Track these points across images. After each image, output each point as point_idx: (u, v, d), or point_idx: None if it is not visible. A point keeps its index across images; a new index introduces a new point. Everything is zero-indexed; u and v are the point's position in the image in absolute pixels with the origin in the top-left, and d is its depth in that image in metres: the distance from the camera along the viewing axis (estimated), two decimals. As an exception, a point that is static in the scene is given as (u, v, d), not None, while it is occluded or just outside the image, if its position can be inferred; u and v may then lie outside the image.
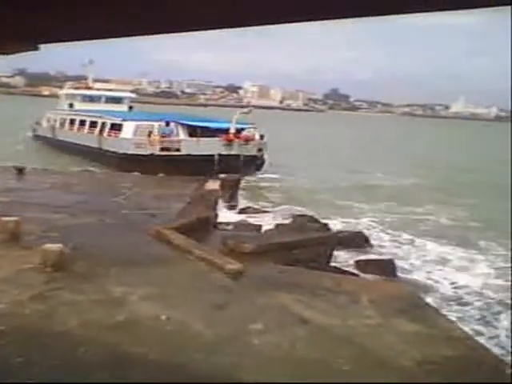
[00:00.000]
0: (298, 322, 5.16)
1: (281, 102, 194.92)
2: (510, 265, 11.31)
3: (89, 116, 27.66)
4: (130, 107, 34.19)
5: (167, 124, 22.03)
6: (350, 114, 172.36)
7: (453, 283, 10.24)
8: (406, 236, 13.84)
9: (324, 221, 13.11)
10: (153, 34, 1.26)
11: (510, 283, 10.22)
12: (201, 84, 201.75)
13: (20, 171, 14.02)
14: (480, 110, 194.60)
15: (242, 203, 15.91)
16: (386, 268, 10.15)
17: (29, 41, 1.29)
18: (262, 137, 23.15)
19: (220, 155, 20.36)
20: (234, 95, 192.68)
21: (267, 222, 12.86)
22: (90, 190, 12.57)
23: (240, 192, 16.46)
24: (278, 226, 10.22)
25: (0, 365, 4.01)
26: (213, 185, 13.60)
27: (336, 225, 13.70)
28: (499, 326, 8.31)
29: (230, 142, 21.12)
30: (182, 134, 22.21)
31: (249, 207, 15.51)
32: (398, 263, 10.87)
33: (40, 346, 4.34)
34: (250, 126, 23.43)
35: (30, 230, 7.75)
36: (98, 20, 1.18)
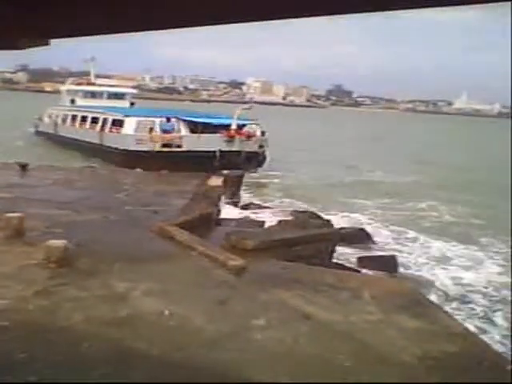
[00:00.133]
0: (301, 317, 5.18)
1: (284, 98, 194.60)
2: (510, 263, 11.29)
3: (90, 112, 27.66)
4: (132, 103, 34.20)
5: (168, 120, 22.02)
6: (352, 109, 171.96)
7: (455, 280, 10.24)
8: (408, 232, 13.83)
9: (326, 217, 13.13)
10: (162, 29, 1.28)
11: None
12: (204, 80, 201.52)
13: (23, 167, 14.06)
14: (483, 106, 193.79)
15: (245, 199, 15.93)
16: (388, 264, 10.16)
17: (40, 36, 1.30)
18: (263, 133, 23.12)
19: (221, 151, 20.34)
20: (237, 91, 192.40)
21: (270, 219, 12.88)
22: (92, 186, 12.60)
23: (242, 188, 16.48)
24: (280, 222, 10.22)
25: (4, 360, 4.05)
26: (216, 181, 13.62)
27: (339, 222, 13.69)
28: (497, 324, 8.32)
29: (231, 138, 21.10)
30: (184, 130, 22.20)
31: (251, 203, 15.54)
32: (400, 259, 10.89)
33: (44, 342, 4.38)
34: (252, 122, 23.39)
35: (33, 226, 7.78)
36: (109, 15, 1.20)
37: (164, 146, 20.89)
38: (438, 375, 4.29)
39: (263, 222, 11.64)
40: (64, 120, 30.78)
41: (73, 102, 33.16)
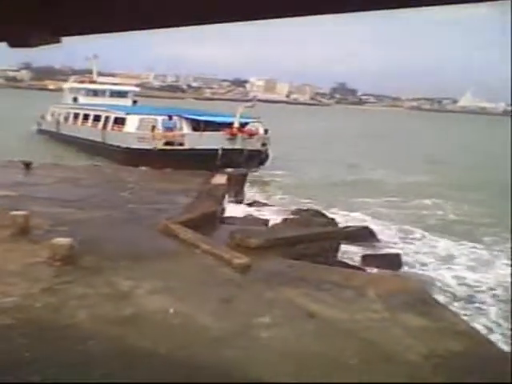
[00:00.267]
0: (306, 316, 5.18)
1: (287, 96, 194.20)
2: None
3: (93, 110, 27.61)
4: (135, 101, 34.10)
5: (170, 118, 21.94)
6: (357, 108, 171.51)
7: (460, 279, 10.19)
8: (413, 230, 13.79)
9: (330, 215, 13.10)
10: (177, 26, 1.27)
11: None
12: (207, 78, 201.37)
13: (27, 166, 14.09)
14: (488, 104, 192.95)
15: (249, 198, 15.92)
16: (393, 262, 10.14)
17: (52, 33, 1.30)
18: (266, 131, 22.95)
19: (223, 149, 20.23)
20: (241, 89, 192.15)
21: (274, 217, 12.88)
22: (96, 184, 12.61)
23: (246, 186, 16.48)
24: (284, 220, 10.23)
25: (10, 358, 4.06)
26: (220, 179, 13.62)
27: (342, 220, 13.67)
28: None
29: (233, 136, 20.96)
30: (186, 128, 22.12)
31: (255, 201, 15.54)
32: (405, 258, 10.85)
33: (49, 339, 4.40)
34: (254, 120, 23.27)
35: (38, 224, 7.81)
36: (119, 12, 1.19)
37: (166, 144, 20.84)
38: (443, 374, 4.29)
39: (267, 221, 11.64)
40: (66, 118, 30.77)
41: (75, 100, 33.14)
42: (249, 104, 24.18)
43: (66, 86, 37.35)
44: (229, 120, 21.98)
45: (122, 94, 34.14)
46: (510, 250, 12.24)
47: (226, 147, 20.44)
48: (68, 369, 3.98)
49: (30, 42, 1.37)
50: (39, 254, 6.38)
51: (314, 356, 4.41)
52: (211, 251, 6.85)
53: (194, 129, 22.04)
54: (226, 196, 12.62)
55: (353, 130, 54.12)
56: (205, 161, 18.25)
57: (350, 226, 12.27)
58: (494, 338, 6.92)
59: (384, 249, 11.76)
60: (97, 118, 26.27)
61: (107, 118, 24.98)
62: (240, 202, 14.58)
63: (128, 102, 33.08)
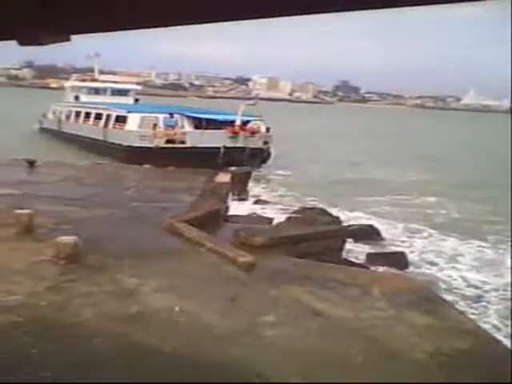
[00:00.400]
0: (311, 314, 5.18)
1: (290, 95, 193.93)
2: None
3: (94, 108, 27.56)
4: (136, 99, 34.05)
5: (171, 116, 21.88)
6: (360, 106, 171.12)
7: (465, 278, 10.14)
8: (418, 228, 13.75)
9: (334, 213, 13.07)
10: (189, 24, 1.26)
11: None
12: (209, 76, 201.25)
13: (31, 164, 14.11)
14: (491, 102, 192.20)
15: (252, 196, 15.92)
16: (398, 261, 10.12)
17: (63, 31, 1.29)
18: (268, 129, 22.89)
19: (225, 147, 20.16)
20: (243, 87, 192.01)
21: (278, 215, 12.87)
22: (99, 182, 12.63)
23: (250, 185, 16.47)
24: (289, 218, 10.21)
25: (17, 355, 4.07)
26: (223, 177, 13.62)
27: (347, 218, 13.63)
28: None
29: (235, 135, 20.89)
30: (188, 126, 22.07)
31: (259, 200, 15.53)
32: (410, 256, 10.82)
33: (55, 337, 4.40)
34: (256, 118, 23.18)
35: (42, 223, 7.83)
36: (134, 10, 1.18)
37: (168, 142, 20.79)
38: (449, 372, 4.28)
39: (272, 219, 11.63)
40: (68, 116, 30.75)
41: (77, 98, 33.12)
42: (251, 102, 24.14)
43: (67, 84, 37.34)
44: (231, 118, 21.93)
45: (123, 93, 34.09)
46: None
47: (227, 145, 20.37)
48: (74, 366, 3.98)
49: (39, 41, 1.36)
50: (44, 253, 6.39)
51: (319, 354, 4.40)
52: (216, 249, 6.84)
53: (196, 127, 21.99)
54: (230, 194, 12.62)
55: (355, 128, 54.02)
56: (206, 159, 18.20)
57: (354, 225, 12.25)
58: (500, 336, 6.89)
59: (389, 247, 11.74)
60: (98, 117, 26.23)
61: (109, 116, 24.94)
62: (244, 200, 14.58)
63: (129, 100, 33.05)
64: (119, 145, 22.27)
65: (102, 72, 38.98)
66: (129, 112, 23.47)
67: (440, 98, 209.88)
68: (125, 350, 4.28)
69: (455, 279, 10.07)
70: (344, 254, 9.14)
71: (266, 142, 21.90)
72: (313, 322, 5.00)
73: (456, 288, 9.59)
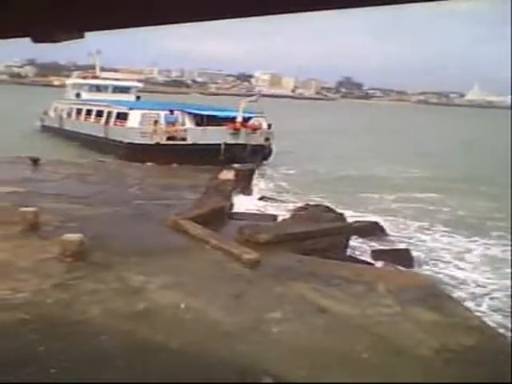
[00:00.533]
0: (316, 311, 5.18)
1: (293, 91, 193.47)
2: None
3: (95, 105, 27.40)
4: (138, 97, 33.89)
5: (171, 112, 21.81)
6: (363, 102, 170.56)
7: (471, 276, 10.07)
8: (423, 226, 13.71)
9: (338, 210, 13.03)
10: (201, 20, 1.26)
11: None
12: (212, 73, 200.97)
13: (35, 162, 14.14)
14: (495, 97, 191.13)
15: (256, 193, 15.90)
16: (403, 258, 10.10)
17: (75, 29, 1.29)
18: (269, 126, 22.75)
19: (226, 144, 20.05)
20: (246, 84, 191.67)
21: (282, 212, 12.86)
22: (104, 180, 12.66)
23: (254, 182, 16.46)
24: (293, 215, 10.20)
25: (25, 352, 4.09)
26: (227, 175, 13.63)
27: (354, 215, 13.55)
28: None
29: (236, 131, 20.74)
30: (189, 123, 21.95)
31: (263, 197, 15.51)
32: (415, 253, 10.78)
33: (62, 334, 4.42)
34: (258, 114, 23.09)
35: (47, 221, 7.85)
36: (143, 6, 1.18)
37: (169, 138, 20.73)
38: (455, 368, 4.28)
39: (276, 216, 11.62)
40: (69, 114, 30.63)
41: (78, 95, 32.98)
42: (252, 98, 23.95)
43: (68, 81, 37.18)
44: (232, 115, 21.80)
45: (124, 90, 33.92)
46: None
47: (228, 142, 20.25)
48: (81, 363, 4.00)
49: (53, 38, 1.36)
50: (49, 250, 6.41)
51: (325, 351, 4.41)
52: (221, 247, 6.86)
53: (197, 123, 21.88)
54: (234, 191, 12.62)
55: (358, 125, 53.90)
56: (207, 156, 18.12)
57: (359, 221, 12.22)
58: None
59: (393, 244, 11.71)
60: (99, 114, 26.06)
61: (110, 113, 24.80)
62: (248, 197, 14.56)
63: (131, 97, 32.86)
64: (120, 142, 22.12)
65: (103, 69, 38.87)
66: (130, 109, 23.34)
67: (443, 94, 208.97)
68: (131, 347, 4.30)
69: (460, 276, 10.02)
70: (349, 251, 9.14)
71: (267, 139, 21.76)
72: (318, 319, 5.00)
73: (461, 285, 9.55)
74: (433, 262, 10.80)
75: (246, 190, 14.71)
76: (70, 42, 1.46)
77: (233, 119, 21.29)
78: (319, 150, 30.02)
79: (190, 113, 22.46)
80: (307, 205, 11.41)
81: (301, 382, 3.93)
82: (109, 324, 4.64)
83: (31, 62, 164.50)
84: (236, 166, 15.67)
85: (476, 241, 12.61)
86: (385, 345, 4.56)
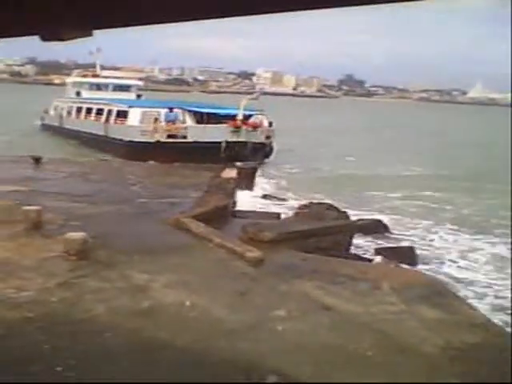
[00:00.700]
0: (321, 309, 5.18)
1: (294, 89, 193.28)
2: None
3: (95, 103, 27.30)
4: (139, 95, 33.75)
5: (170, 110, 21.75)
6: (365, 100, 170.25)
7: (474, 275, 10.03)
8: (426, 224, 13.69)
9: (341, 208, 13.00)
10: (197, 19, 1.26)
11: None
12: (213, 71, 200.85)
13: (37, 161, 14.14)
14: (498, 95, 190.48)
15: (259, 191, 15.88)
16: (407, 255, 10.08)
17: (84, 27, 1.29)
18: (270, 124, 22.63)
19: (227, 142, 19.95)
20: (247, 82, 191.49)
21: (285, 210, 12.85)
22: (106, 179, 12.66)
23: (256, 180, 16.43)
24: (296, 213, 10.18)
25: (30, 350, 4.09)
26: (230, 173, 13.63)
27: (357, 213, 13.50)
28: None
29: (237, 129, 20.61)
30: (189, 121, 21.85)
31: (266, 195, 15.50)
32: (418, 252, 10.76)
33: (67, 333, 4.43)
34: (258, 112, 22.99)
35: (50, 219, 7.86)
36: (153, 4, 1.17)
37: (169, 136, 20.63)
38: (460, 366, 4.27)
39: (279, 214, 11.61)
40: (69, 112, 30.53)
41: (78, 94, 32.88)
42: (253, 96, 23.81)
43: (69, 80, 37.14)
44: (232, 112, 21.67)
45: (125, 88, 33.80)
46: None
47: (229, 140, 20.13)
48: (86, 361, 4.00)
49: (62, 36, 1.35)
50: (53, 249, 6.42)
51: (330, 348, 4.41)
52: (224, 245, 6.85)
53: (198, 121, 21.80)
54: (237, 190, 12.60)
55: (360, 123, 53.84)
56: (208, 153, 18.00)
57: (362, 219, 12.21)
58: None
59: (397, 241, 11.69)
60: (99, 112, 25.90)
61: (110, 111, 24.67)
62: (250, 195, 14.56)
63: (132, 95, 32.69)
64: (120, 140, 21.99)
65: (104, 68, 38.85)
66: (130, 107, 23.22)
67: (445, 92, 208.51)
68: (136, 344, 4.30)
69: (464, 275, 9.99)
70: (352, 249, 9.13)
71: (268, 137, 21.66)
72: (323, 317, 5.00)
73: (466, 283, 9.51)
74: (436, 260, 10.78)
75: (249, 189, 14.71)
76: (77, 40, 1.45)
77: (233, 117, 21.14)
78: (321, 148, 29.97)
79: (190, 111, 22.38)
80: (310, 203, 11.39)
81: (305, 382, 3.93)
82: (113, 322, 4.64)
83: (32, 61, 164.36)
84: (238, 164, 15.63)
85: (481, 239, 12.56)
86: (389, 342, 4.56)
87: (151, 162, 16.77)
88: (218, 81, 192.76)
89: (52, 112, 33.95)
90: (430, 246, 11.80)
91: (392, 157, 27.32)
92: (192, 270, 6.12)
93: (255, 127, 21.33)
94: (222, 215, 9.08)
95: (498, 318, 7.20)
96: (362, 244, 10.89)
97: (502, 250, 11.83)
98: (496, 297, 8.88)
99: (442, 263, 10.59)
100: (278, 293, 5.53)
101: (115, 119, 23.89)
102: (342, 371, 4.10)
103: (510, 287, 9.11)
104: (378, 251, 10.30)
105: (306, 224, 8.16)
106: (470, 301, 7.31)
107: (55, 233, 7.11)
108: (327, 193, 16.73)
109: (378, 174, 22.18)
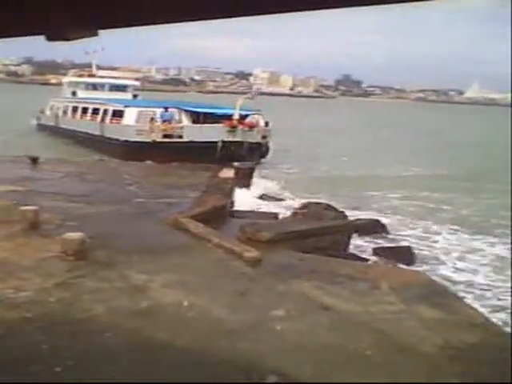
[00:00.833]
0: (319, 308, 5.18)
1: (291, 89, 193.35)
2: None
3: (91, 103, 27.19)
4: (135, 95, 33.60)
5: (166, 109, 21.69)
6: (362, 100, 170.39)
7: (474, 275, 10.04)
8: (425, 224, 13.69)
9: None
10: (200, 19, 1.25)
11: None
12: (210, 71, 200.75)
13: (34, 161, 14.11)
14: (497, 95, 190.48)
15: (256, 191, 15.87)
16: (404, 255, 10.10)
17: (89, 27, 1.28)
18: (266, 123, 22.58)
19: (223, 142, 19.89)
20: (244, 82, 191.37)
21: (283, 210, 12.85)
22: (103, 179, 12.64)
23: (253, 180, 16.41)
24: (294, 213, 10.19)
25: (29, 350, 4.08)
26: (227, 173, 13.62)
27: (355, 213, 13.50)
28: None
29: (233, 129, 20.54)
30: (185, 121, 21.78)
31: (264, 195, 15.50)
32: (416, 252, 10.77)
33: (66, 333, 4.41)
34: (255, 112, 22.96)
35: (48, 219, 7.84)
36: (156, 4, 1.17)
37: (165, 136, 20.55)
38: (459, 365, 4.27)
39: (277, 214, 11.61)
40: (65, 112, 30.41)
41: (74, 94, 32.73)
42: (249, 96, 23.76)
43: (65, 79, 37.01)
44: (229, 112, 21.63)
45: (121, 88, 33.65)
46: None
47: (225, 139, 20.05)
48: (86, 361, 3.99)
49: (67, 36, 1.35)
50: (51, 249, 6.40)
51: (329, 348, 4.41)
52: (222, 245, 6.84)
53: (194, 121, 21.71)
54: (234, 190, 12.59)
55: (357, 123, 53.91)
56: (204, 153, 17.92)
57: (360, 219, 12.22)
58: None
59: (395, 241, 11.70)
60: (95, 111, 25.81)
61: (106, 110, 24.54)
62: (248, 195, 14.54)
63: (128, 95, 32.52)
64: (116, 140, 21.86)
65: (100, 67, 38.69)
66: (125, 106, 23.15)
67: (442, 92, 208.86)
68: (136, 344, 4.29)
69: (462, 274, 10.00)
70: (351, 249, 9.13)
71: (264, 137, 21.60)
72: (322, 317, 5.00)
73: (464, 284, 9.51)
74: (434, 260, 10.79)
75: (246, 189, 14.70)
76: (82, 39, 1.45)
77: (230, 117, 21.10)
78: (318, 148, 29.96)
79: (186, 110, 22.31)
80: (308, 203, 11.42)
81: (305, 382, 3.92)
82: (113, 322, 4.63)
83: (28, 61, 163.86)
84: (236, 164, 15.61)
85: (480, 239, 12.57)
86: (388, 342, 4.56)
87: (148, 162, 16.73)
88: (215, 81, 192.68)
89: (48, 112, 33.81)
90: (427, 245, 11.80)
91: (389, 157, 27.35)
92: (191, 270, 6.11)
93: (251, 127, 21.29)
94: (220, 215, 9.07)
95: (497, 318, 7.22)
96: (360, 244, 10.90)
97: (499, 248, 11.86)
98: (497, 299, 8.89)
99: (440, 262, 10.60)
100: (276, 293, 5.53)
101: (111, 119, 23.79)
102: (342, 371, 4.10)
103: (510, 287, 9.13)
104: (375, 251, 10.31)
105: (304, 224, 8.16)
106: (469, 300, 7.34)
107: (53, 233, 7.09)
108: (324, 193, 16.73)
109: (375, 174, 22.17)
